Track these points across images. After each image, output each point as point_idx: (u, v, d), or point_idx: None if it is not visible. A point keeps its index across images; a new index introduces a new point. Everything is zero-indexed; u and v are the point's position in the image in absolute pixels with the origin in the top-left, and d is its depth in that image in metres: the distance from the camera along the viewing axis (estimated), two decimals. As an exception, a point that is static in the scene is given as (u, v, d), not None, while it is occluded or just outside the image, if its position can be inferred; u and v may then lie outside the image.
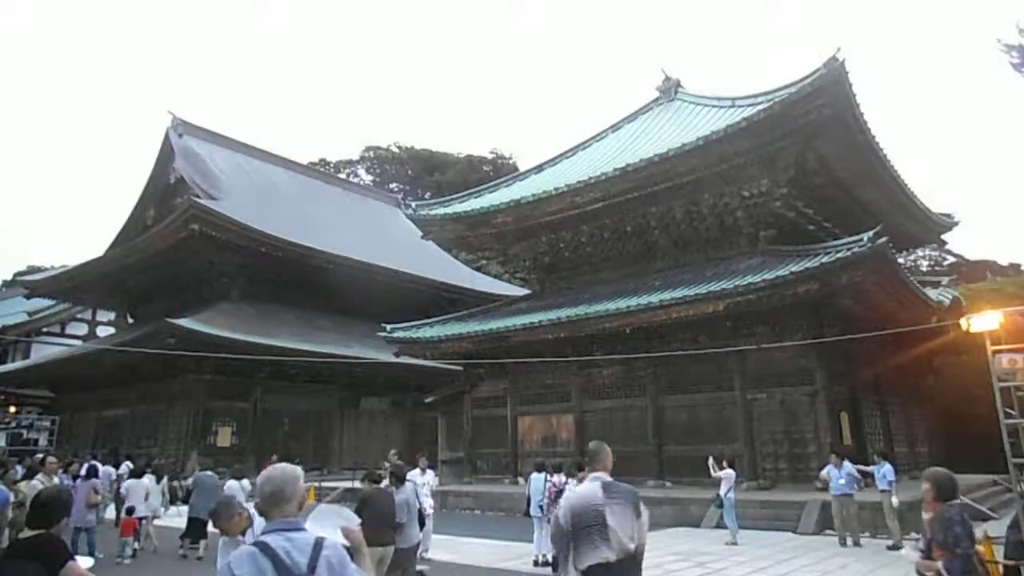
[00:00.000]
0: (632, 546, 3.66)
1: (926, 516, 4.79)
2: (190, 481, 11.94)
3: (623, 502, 3.73)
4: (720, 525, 13.01)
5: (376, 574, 6.47)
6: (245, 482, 12.26)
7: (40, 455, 16.40)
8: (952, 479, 4.68)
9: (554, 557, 9.93)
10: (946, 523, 4.24)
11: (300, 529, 2.44)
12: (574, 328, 18.72)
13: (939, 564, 4.23)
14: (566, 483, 10.19)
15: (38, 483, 9.39)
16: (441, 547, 11.61)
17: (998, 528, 9.41)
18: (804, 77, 16.40)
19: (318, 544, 2.39)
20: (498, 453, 21.92)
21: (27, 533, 3.55)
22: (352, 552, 2.62)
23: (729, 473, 12.73)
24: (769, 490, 15.94)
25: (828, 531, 12.67)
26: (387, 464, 12.44)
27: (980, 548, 4.34)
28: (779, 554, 11.00)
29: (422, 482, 11.54)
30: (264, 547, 2.32)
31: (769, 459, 16.74)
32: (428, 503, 11.41)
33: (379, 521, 6.53)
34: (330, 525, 2.72)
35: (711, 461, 13.36)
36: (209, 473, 12.46)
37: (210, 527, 11.28)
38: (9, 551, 3.58)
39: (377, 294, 29.90)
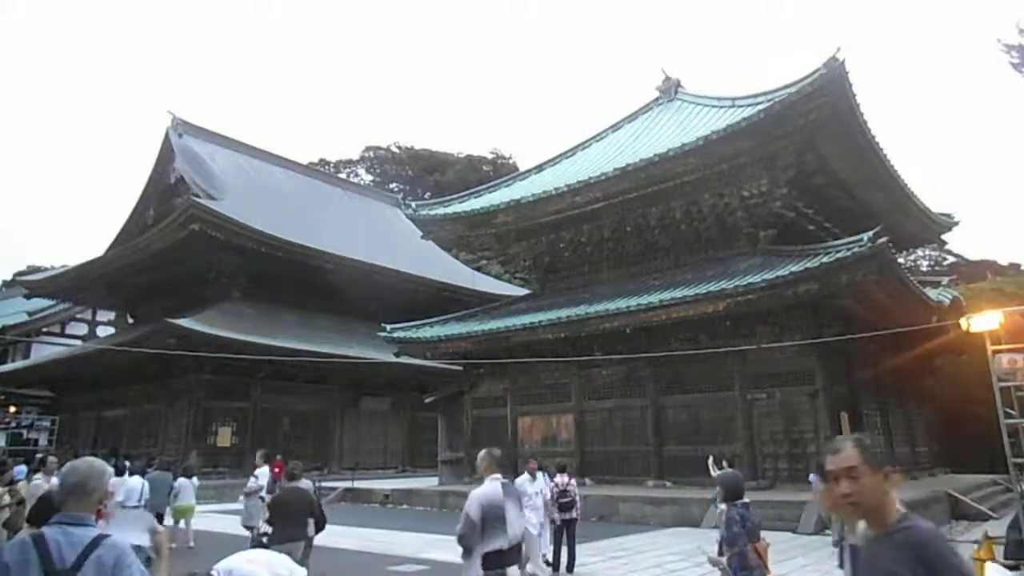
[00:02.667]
0: (520, 535, 4.50)
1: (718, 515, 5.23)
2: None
3: (514, 500, 4.56)
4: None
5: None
6: (195, 479, 12.97)
7: (40, 455, 16.40)
8: (737, 482, 5.18)
9: (554, 555, 9.94)
10: (728, 522, 4.68)
11: (83, 525, 2.39)
12: (574, 328, 18.71)
13: (724, 559, 4.65)
14: (569, 483, 10.16)
15: (40, 482, 9.40)
16: (440, 547, 11.57)
17: (998, 528, 9.42)
18: (804, 77, 16.39)
19: (93, 543, 2.32)
20: (498, 453, 21.89)
21: (24, 533, 3.54)
22: (156, 553, 2.75)
23: (729, 473, 12.71)
24: (769, 490, 15.93)
25: (828, 531, 12.66)
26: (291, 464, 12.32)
27: (756, 545, 4.64)
28: (779, 554, 10.97)
29: (533, 491, 9.14)
30: (38, 539, 2.31)
31: (769, 459, 16.73)
32: (535, 519, 8.80)
33: (292, 518, 6.91)
34: (137, 529, 2.84)
35: (711, 461, 13.35)
36: (158, 472, 12.41)
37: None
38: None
39: (377, 294, 29.90)
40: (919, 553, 1.93)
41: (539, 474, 9.85)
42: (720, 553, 4.81)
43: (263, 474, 11.84)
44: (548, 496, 9.90)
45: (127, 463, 13.23)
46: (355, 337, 28.63)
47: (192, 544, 12.11)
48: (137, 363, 25.91)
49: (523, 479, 9.45)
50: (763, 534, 4.98)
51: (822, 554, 10.91)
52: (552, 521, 9.95)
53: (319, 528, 7.13)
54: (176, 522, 12.28)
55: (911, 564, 1.93)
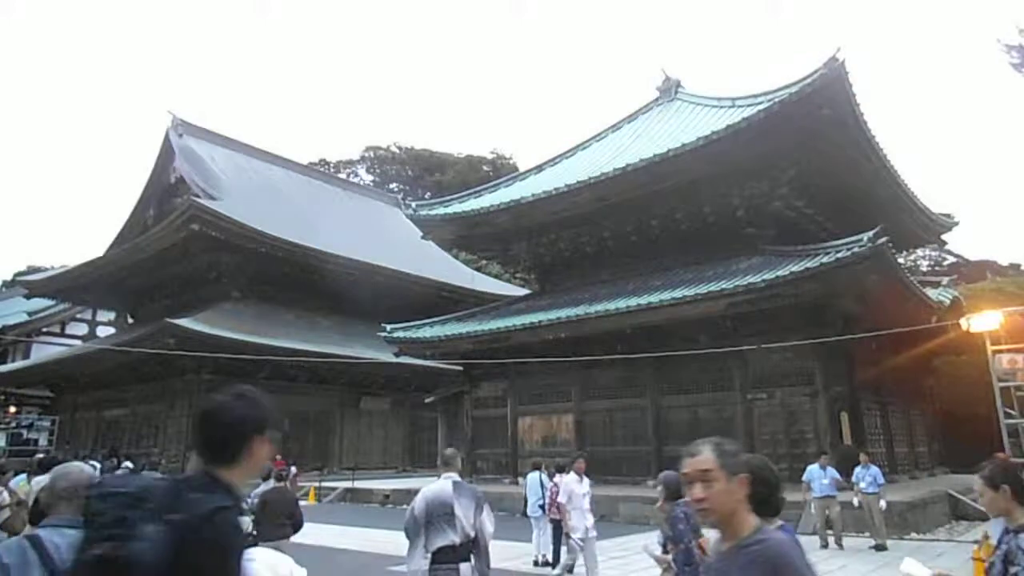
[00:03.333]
0: (472, 532, 4.59)
1: (660, 514, 5.30)
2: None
3: (468, 497, 4.68)
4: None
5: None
6: None
7: (40, 456, 16.35)
8: (679, 481, 5.08)
9: (555, 555, 9.95)
10: (673, 521, 4.79)
11: (78, 527, 2.45)
12: (574, 328, 18.70)
13: (670, 557, 4.77)
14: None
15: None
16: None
17: (998, 528, 9.42)
18: (804, 77, 16.39)
19: None
20: (498, 453, 21.90)
21: (26, 533, 3.54)
22: None
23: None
24: (769, 490, 15.91)
25: (828, 531, 12.67)
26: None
27: (701, 542, 4.73)
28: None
29: (582, 492, 8.75)
30: (35, 541, 2.34)
31: (769, 459, 16.69)
32: (583, 523, 8.49)
33: (274, 519, 7.06)
34: None
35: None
36: (146, 472, 12.40)
37: None
38: None
39: (377, 294, 29.89)
40: (773, 569, 1.78)
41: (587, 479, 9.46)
42: (664, 551, 4.90)
43: None
44: (551, 496, 9.92)
45: (129, 464, 13.24)
46: (355, 337, 28.63)
47: None
48: (137, 363, 25.90)
49: (571, 479, 9.17)
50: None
51: (822, 555, 10.95)
52: (551, 520, 9.98)
53: (295, 529, 7.23)
54: None
55: None
